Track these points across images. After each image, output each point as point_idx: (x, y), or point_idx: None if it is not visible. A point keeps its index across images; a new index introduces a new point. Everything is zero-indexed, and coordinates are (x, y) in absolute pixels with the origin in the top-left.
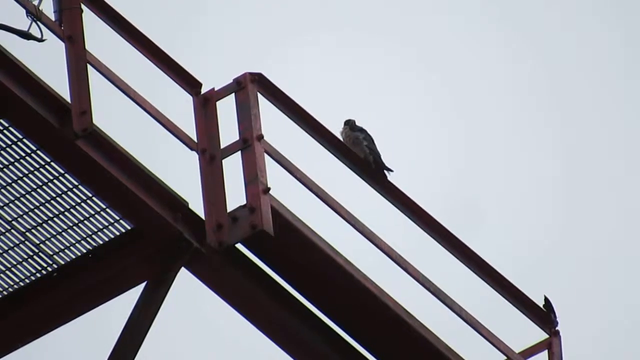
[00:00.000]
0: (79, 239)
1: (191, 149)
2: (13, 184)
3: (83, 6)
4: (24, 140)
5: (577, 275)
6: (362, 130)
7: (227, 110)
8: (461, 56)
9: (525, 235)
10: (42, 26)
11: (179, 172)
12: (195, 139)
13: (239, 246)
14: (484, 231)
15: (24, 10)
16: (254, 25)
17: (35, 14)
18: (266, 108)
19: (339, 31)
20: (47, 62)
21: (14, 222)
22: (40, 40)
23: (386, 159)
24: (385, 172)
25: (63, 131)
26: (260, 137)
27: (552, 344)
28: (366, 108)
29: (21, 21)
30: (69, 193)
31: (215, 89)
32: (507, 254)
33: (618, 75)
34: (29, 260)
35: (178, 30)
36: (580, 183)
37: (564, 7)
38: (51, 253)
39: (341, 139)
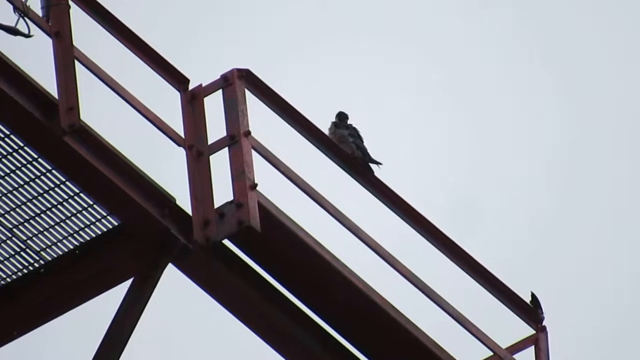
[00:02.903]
0: (66, 235)
1: (178, 145)
2: (0, 180)
3: (70, 2)
4: (12, 136)
5: (572, 274)
6: (348, 126)
7: (214, 106)
8: (462, 56)
9: (523, 235)
10: (29, 22)
11: (167, 168)
12: (182, 135)
13: (226, 242)
14: (483, 230)
15: (11, 6)
16: (256, 26)
17: (22, 10)
18: (254, 104)
19: (340, 32)
20: (34, 58)
21: (1, 218)
22: (28, 36)
23: (379, 156)
24: (375, 165)
25: (51, 127)
26: (248, 134)
27: (538, 339)
28: (367, 107)
29: (8, 17)
30: (57, 189)
31: (203, 85)
32: (506, 253)
33: (619, 80)
34: (16, 256)
35: (180, 28)
36: (578, 183)
37: (566, 5)
38: (38, 249)
39: (329, 135)
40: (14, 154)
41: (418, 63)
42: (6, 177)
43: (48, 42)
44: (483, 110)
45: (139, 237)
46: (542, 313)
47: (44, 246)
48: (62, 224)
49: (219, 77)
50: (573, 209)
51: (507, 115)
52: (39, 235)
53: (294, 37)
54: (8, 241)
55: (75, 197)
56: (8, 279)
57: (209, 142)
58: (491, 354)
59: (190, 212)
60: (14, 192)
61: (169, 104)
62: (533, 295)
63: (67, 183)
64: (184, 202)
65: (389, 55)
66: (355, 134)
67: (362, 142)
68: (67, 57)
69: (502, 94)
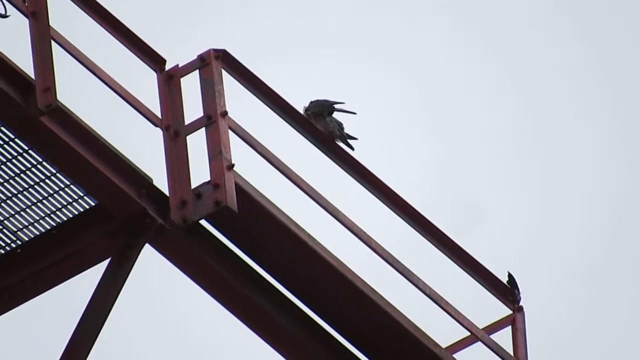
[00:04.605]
0: (42, 215)
1: (155, 125)
2: None
3: None
4: None
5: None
6: (319, 104)
7: (191, 86)
8: (463, 55)
9: (522, 235)
10: (5, 2)
11: (143, 149)
12: (159, 116)
13: (203, 222)
14: (482, 230)
15: None
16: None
17: None
18: (230, 84)
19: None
20: (10, 38)
21: None
22: (4, 16)
23: (351, 131)
24: (350, 142)
25: (27, 108)
26: (225, 114)
27: (515, 319)
28: (366, 106)
29: None
30: (33, 170)
31: (180, 65)
32: (505, 252)
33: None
34: None
35: (163, 9)
36: (578, 182)
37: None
38: (15, 229)
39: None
40: None
41: (420, 62)
42: None
43: (24, 22)
44: (483, 110)
45: (116, 218)
46: (519, 293)
47: (20, 226)
48: (39, 204)
49: (195, 57)
50: (572, 208)
51: (507, 114)
52: (16, 216)
53: (281, 38)
54: None
55: (52, 178)
56: None
57: (186, 123)
58: (468, 334)
59: (167, 193)
60: None
61: (146, 85)
62: (510, 276)
63: (44, 163)
64: (161, 182)
65: (391, 53)
66: (327, 106)
67: (336, 119)
68: (43, 37)
69: (501, 93)
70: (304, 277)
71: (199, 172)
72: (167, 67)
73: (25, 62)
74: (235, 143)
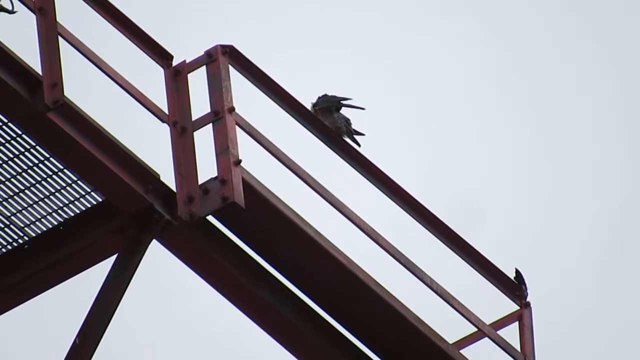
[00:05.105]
0: (50, 211)
1: (162, 121)
2: None
3: None
4: None
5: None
6: (326, 100)
7: (198, 82)
8: (453, 56)
9: (523, 235)
10: None
11: (150, 145)
12: (166, 112)
13: (211, 218)
14: (483, 230)
15: None
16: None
17: None
18: (237, 80)
19: (333, 32)
20: (18, 34)
21: None
22: (12, 12)
23: (359, 127)
24: (357, 138)
25: (34, 104)
26: (232, 110)
27: (523, 315)
28: (371, 104)
29: None
30: (40, 165)
31: (187, 61)
32: (511, 249)
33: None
34: (0, 232)
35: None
36: (578, 182)
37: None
38: (22, 225)
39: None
40: None
41: (419, 61)
42: None
43: (32, 18)
44: (483, 110)
45: (123, 213)
46: (526, 289)
47: (28, 222)
48: (46, 200)
49: (202, 53)
50: (572, 208)
51: (507, 113)
52: (23, 212)
53: (284, 28)
54: None
55: (59, 174)
56: None
57: (193, 119)
58: (475, 330)
59: (174, 188)
60: None
61: (153, 81)
62: (517, 272)
63: (51, 159)
64: (168, 178)
65: (387, 55)
66: (335, 103)
67: (344, 115)
68: (50, 33)
69: (502, 93)
70: (311, 273)
71: (206, 168)
72: (175, 63)
73: (32, 58)
74: (242, 139)
